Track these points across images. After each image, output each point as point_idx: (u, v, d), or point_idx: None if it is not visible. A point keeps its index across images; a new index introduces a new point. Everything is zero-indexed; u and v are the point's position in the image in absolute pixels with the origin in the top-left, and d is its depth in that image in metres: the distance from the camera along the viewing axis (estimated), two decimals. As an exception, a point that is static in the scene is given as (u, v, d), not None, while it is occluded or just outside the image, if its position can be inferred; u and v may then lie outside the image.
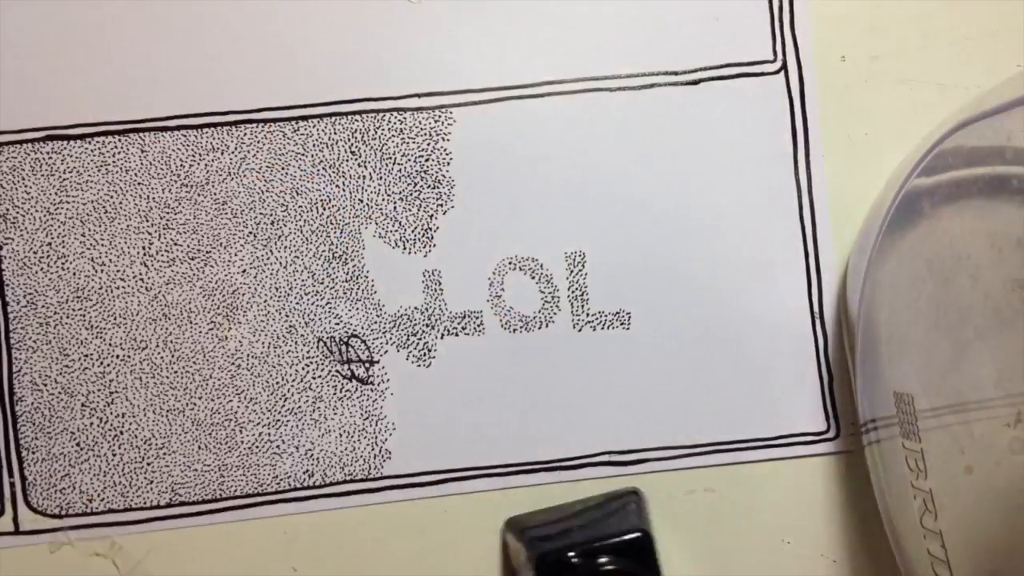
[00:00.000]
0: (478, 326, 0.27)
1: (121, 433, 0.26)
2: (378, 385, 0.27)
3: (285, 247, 0.27)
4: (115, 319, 0.27)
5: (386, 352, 0.27)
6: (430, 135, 0.27)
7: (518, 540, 0.25)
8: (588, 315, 0.27)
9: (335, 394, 0.27)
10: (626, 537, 0.24)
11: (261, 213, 0.27)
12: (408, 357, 0.27)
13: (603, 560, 0.24)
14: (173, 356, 0.27)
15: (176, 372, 0.27)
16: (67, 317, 0.26)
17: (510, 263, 0.27)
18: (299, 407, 0.27)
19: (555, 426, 0.27)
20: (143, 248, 0.27)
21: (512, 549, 0.26)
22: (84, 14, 0.27)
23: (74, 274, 0.26)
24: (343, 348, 0.27)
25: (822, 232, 0.27)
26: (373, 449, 0.27)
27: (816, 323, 0.27)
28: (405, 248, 0.27)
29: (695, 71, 0.27)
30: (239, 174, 0.27)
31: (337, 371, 0.27)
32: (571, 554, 0.24)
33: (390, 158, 0.27)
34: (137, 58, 0.27)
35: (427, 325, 0.27)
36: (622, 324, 0.27)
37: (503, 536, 0.27)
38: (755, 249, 0.27)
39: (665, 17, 0.27)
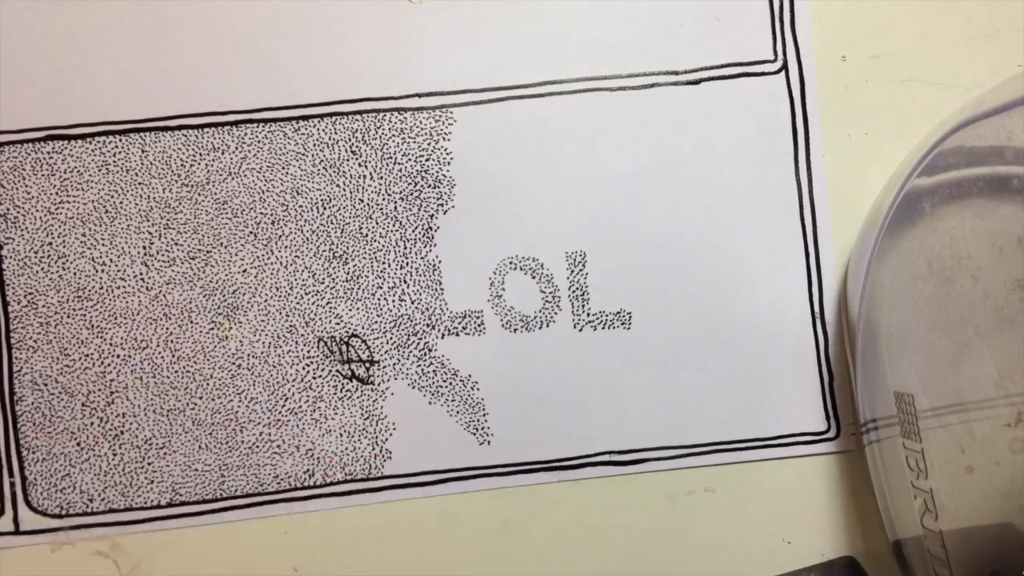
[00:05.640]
0: (479, 326, 0.27)
1: (121, 433, 0.26)
2: (378, 385, 0.27)
3: (285, 247, 0.27)
4: (115, 319, 0.27)
5: (386, 352, 0.27)
6: (430, 135, 0.27)
7: None
8: (588, 315, 0.27)
9: (335, 394, 0.27)
10: None
11: (261, 213, 0.27)
12: (408, 357, 0.27)
13: None
14: (174, 356, 0.27)
15: (177, 372, 0.27)
16: (67, 317, 0.26)
17: (510, 263, 0.27)
18: (299, 407, 0.27)
19: (555, 426, 0.27)
20: (144, 248, 0.27)
21: None
22: (84, 14, 0.27)
23: (74, 274, 0.26)
24: (343, 348, 0.27)
25: (822, 232, 0.27)
26: (373, 449, 0.27)
27: (816, 323, 0.27)
28: (406, 247, 0.27)
29: (696, 71, 0.27)
30: (239, 174, 0.27)
31: (337, 371, 0.27)
32: None
33: (390, 158, 0.27)
34: (137, 58, 0.27)
35: (427, 325, 0.27)
36: (623, 324, 0.27)
37: None
38: (755, 249, 0.27)
39: (665, 17, 0.27)
